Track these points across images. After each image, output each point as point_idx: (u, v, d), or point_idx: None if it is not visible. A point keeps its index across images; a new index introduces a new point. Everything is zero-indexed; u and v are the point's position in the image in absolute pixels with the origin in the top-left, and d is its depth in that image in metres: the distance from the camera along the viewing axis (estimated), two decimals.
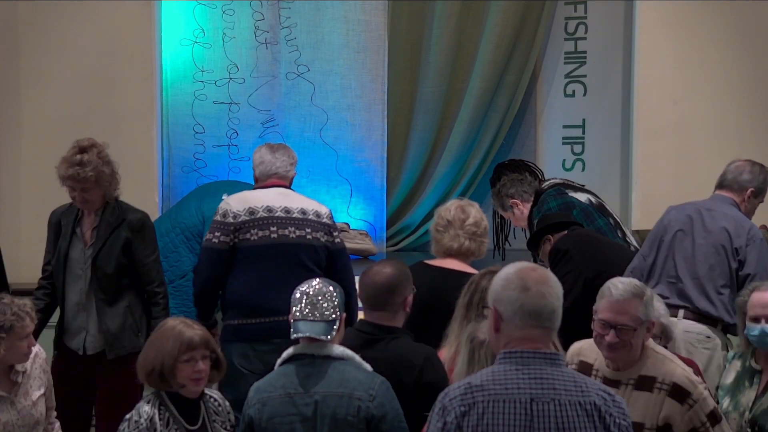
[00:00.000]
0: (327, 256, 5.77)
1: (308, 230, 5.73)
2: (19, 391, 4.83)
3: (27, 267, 7.74)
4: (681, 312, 5.77)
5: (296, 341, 4.41)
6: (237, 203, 5.73)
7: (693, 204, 6.11)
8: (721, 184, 6.17)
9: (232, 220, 5.65)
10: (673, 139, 8.07)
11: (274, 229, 5.72)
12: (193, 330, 4.39)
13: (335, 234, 5.80)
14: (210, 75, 8.14)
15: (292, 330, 4.37)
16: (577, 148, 8.65)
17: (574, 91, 8.62)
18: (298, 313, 4.37)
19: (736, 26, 8.22)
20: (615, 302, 4.19)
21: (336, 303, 4.38)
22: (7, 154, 8.00)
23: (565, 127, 8.64)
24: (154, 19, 7.97)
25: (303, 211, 5.79)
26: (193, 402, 4.43)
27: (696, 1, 8.21)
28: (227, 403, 4.59)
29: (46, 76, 7.91)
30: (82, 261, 5.50)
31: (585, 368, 4.28)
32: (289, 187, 5.87)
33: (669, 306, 5.47)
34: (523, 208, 6.65)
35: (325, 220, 5.79)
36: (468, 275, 5.36)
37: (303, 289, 4.44)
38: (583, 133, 8.63)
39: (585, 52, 8.59)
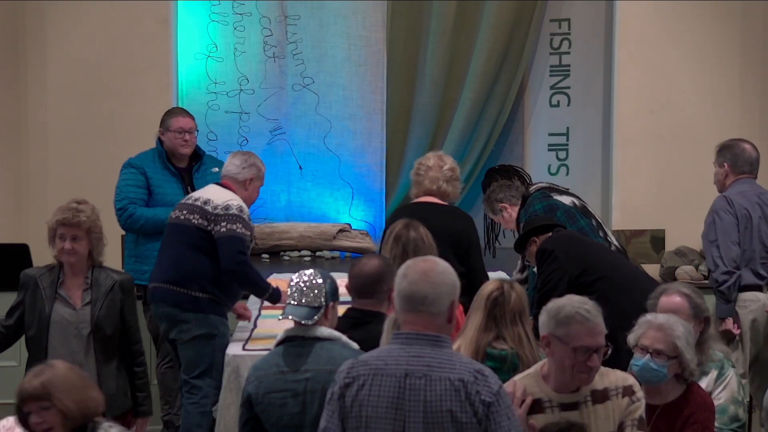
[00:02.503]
0: (206, 239, 5.99)
1: (194, 215, 6.00)
2: None
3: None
4: None
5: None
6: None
7: (747, 190, 6.45)
8: (750, 171, 6.55)
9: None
10: (650, 146, 8.19)
11: (177, 212, 6.14)
12: (32, 381, 4.17)
13: (222, 224, 5.93)
14: (222, 87, 8.29)
15: (282, 312, 4.58)
16: (562, 154, 8.77)
17: (558, 102, 8.73)
18: (288, 299, 4.55)
19: (709, 43, 8.37)
20: (592, 327, 4.01)
21: (323, 292, 4.51)
22: (35, 160, 8.20)
23: (550, 134, 8.76)
24: (170, 35, 8.16)
25: (205, 201, 6.02)
26: None
27: (673, 18, 8.33)
28: None
29: (71, 87, 8.11)
30: (76, 322, 5.27)
31: (539, 405, 4.07)
32: (232, 186, 6.08)
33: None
34: (512, 212, 6.75)
35: (218, 210, 5.95)
36: (446, 206, 5.80)
37: (295, 277, 4.61)
38: (567, 140, 8.76)
39: (569, 65, 8.69)
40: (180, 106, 8.09)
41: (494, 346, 4.61)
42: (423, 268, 3.69)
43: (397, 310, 3.73)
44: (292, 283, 4.61)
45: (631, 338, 4.51)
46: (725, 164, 6.56)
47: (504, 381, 4.52)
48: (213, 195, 6.09)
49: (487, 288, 4.73)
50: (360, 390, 3.62)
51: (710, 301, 5.90)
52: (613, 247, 6.37)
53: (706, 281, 7.07)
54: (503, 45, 8.48)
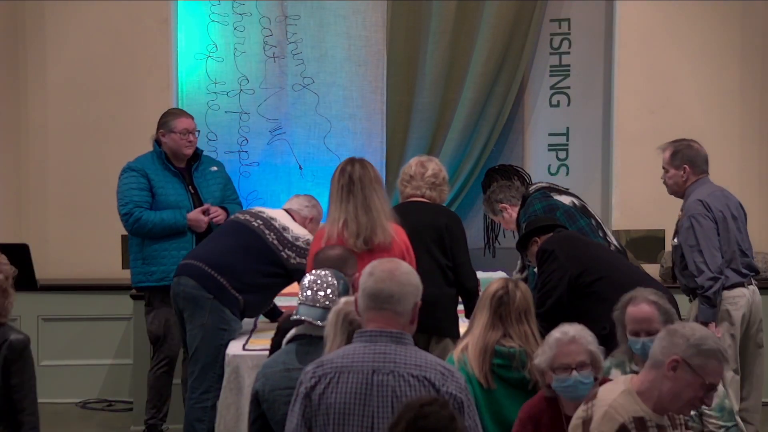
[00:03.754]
0: (268, 256, 6.21)
1: (270, 233, 6.22)
2: None
3: (54, 264, 8.15)
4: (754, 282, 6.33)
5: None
6: None
7: (714, 191, 6.46)
8: (707, 170, 6.55)
9: None
10: (649, 146, 7.70)
11: (249, 217, 6.37)
12: None
13: (298, 258, 6.20)
14: (222, 87, 8.28)
15: (295, 312, 4.66)
16: (562, 155, 8.77)
17: (558, 102, 8.73)
18: (301, 298, 4.63)
19: (709, 42, 8.42)
20: (724, 368, 3.88)
21: (337, 292, 4.60)
22: (34, 158, 8.25)
23: (550, 134, 8.76)
24: (171, 35, 8.19)
25: (283, 227, 6.27)
26: None
27: (672, 19, 8.38)
28: None
29: (71, 87, 8.18)
30: None
31: (642, 425, 3.86)
32: (296, 219, 6.40)
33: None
34: (512, 212, 6.81)
35: (299, 243, 6.24)
36: (431, 204, 5.94)
37: (310, 277, 4.70)
38: (567, 140, 8.75)
39: (569, 65, 8.69)
40: (180, 106, 8.12)
41: (502, 343, 4.71)
42: (389, 268, 3.77)
43: (360, 308, 3.78)
44: (305, 283, 4.68)
45: (542, 362, 4.45)
46: (685, 166, 6.53)
47: (513, 378, 4.74)
48: (291, 224, 6.31)
49: (492, 287, 4.82)
50: (326, 388, 3.67)
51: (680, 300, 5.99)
52: (612, 247, 6.38)
53: None
54: (503, 45, 8.49)
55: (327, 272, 4.70)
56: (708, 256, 6.31)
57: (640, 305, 4.76)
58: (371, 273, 3.77)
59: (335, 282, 4.65)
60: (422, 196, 6.07)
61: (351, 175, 5.63)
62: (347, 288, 4.68)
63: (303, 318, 4.58)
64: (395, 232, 5.60)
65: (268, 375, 4.53)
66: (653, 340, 4.34)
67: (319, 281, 4.67)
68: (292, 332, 4.65)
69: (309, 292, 4.63)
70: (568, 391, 4.41)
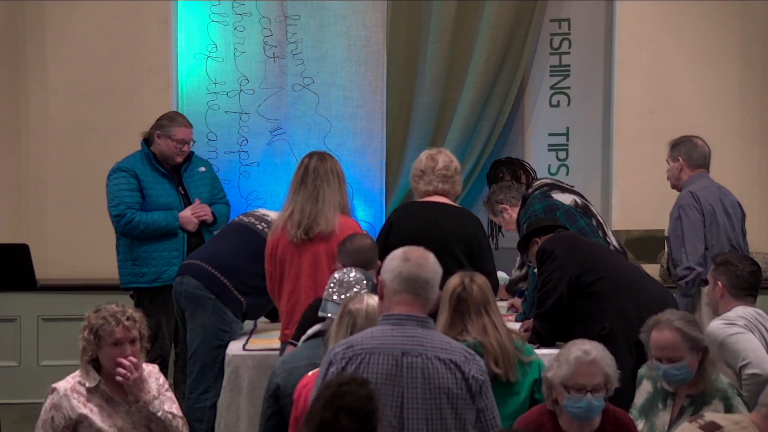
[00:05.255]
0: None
1: None
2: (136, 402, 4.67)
3: (54, 265, 8.16)
4: None
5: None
6: None
7: (709, 186, 6.50)
8: (705, 165, 6.61)
9: None
10: (649, 147, 8.19)
11: (252, 219, 6.41)
12: None
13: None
14: (222, 87, 8.22)
15: (321, 308, 4.73)
16: (562, 155, 8.78)
17: (558, 102, 8.74)
18: (328, 295, 4.72)
19: (709, 42, 8.45)
20: None
21: (364, 290, 4.68)
22: (35, 158, 8.27)
23: (550, 134, 8.77)
24: (171, 35, 8.18)
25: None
26: None
27: (672, 19, 8.41)
28: None
29: (71, 87, 8.19)
30: None
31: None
32: None
33: None
34: (512, 213, 6.83)
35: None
36: (456, 208, 5.86)
37: (337, 275, 4.79)
38: (567, 140, 8.76)
39: (569, 65, 8.70)
40: (180, 106, 8.12)
41: (458, 339, 4.69)
42: (423, 255, 3.93)
43: (390, 291, 3.88)
44: (334, 280, 4.76)
45: (556, 377, 4.33)
46: (680, 158, 6.61)
47: None
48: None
49: (450, 284, 4.87)
50: (357, 368, 3.79)
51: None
52: (612, 247, 6.38)
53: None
54: (503, 45, 8.49)
55: (355, 271, 4.78)
56: (689, 247, 6.35)
57: (663, 331, 4.68)
58: (407, 258, 3.91)
59: (363, 279, 4.73)
60: (435, 191, 6.04)
61: (307, 167, 5.76)
62: (375, 286, 4.70)
63: (329, 315, 4.64)
64: (341, 224, 5.63)
65: (290, 370, 4.54)
66: (675, 367, 4.52)
67: (346, 279, 4.74)
68: (316, 328, 4.70)
69: (336, 290, 4.70)
70: (578, 413, 4.31)
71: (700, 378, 4.65)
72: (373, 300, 4.37)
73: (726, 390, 4.71)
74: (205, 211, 6.96)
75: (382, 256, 5.54)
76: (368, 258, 5.14)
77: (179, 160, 7.02)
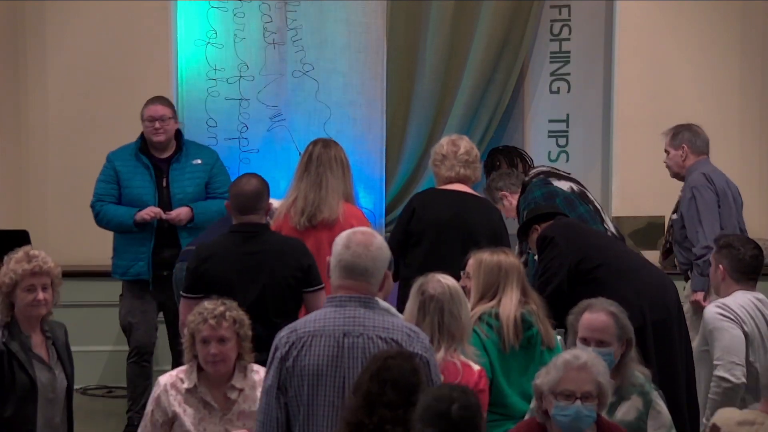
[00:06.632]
0: None
1: None
2: (233, 409, 4.60)
3: (54, 251, 7.76)
4: None
5: None
6: None
7: (716, 170, 6.56)
8: (709, 151, 6.66)
9: None
10: (649, 133, 8.05)
11: None
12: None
13: None
14: (222, 73, 8.18)
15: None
16: (562, 141, 8.78)
17: (558, 89, 8.74)
18: None
19: (709, 28, 8.46)
20: None
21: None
22: (35, 145, 8.29)
23: (550, 121, 8.77)
24: (170, 22, 8.16)
25: None
26: None
27: (672, 5, 8.41)
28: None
29: (72, 75, 8.22)
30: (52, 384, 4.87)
31: None
32: None
33: None
34: (512, 200, 6.88)
35: None
36: (479, 198, 6.00)
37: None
38: (567, 127, 8.77)
39: (569, 52, 8.70)
40: (179, 92, 8.12)
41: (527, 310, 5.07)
42: (364, 241, 3.95)
43: (333, 277, 3.96)
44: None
45: (544, 383, 4.06)
46: (684, 146, 6.62)
47: (532, 335, 5.06)
48: None
49: (509, 262, 5.11)
50: (300, 352, 3.87)
51: (680, 285, 6.13)
52: (609, 233, 6.43)
53: None
54: (503, 31, 8.50)
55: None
56: (707, 226, 6.38)
57: (598, 313, 4.58)
58: (347, 245, 3.95)
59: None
60: (457, 177, 6.06)
61: (311, 154, 5.83)
62: (390, 257, 4.78)
63: None
64: (345, 212, 5.64)
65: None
66: (602, 352, 4.42)
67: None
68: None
69: None
70: (567, 423, 4.01)
71: (618, 372, 4.54)
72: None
73: (644, 384, 4.64)
74: (173, 216, 6.82)
75: (404, 241, 5.74)
76: (248, 205, 5.22)
77: (158, 139, 6.91)
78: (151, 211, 6.79)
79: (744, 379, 5.09)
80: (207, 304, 4.60)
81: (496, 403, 4.93)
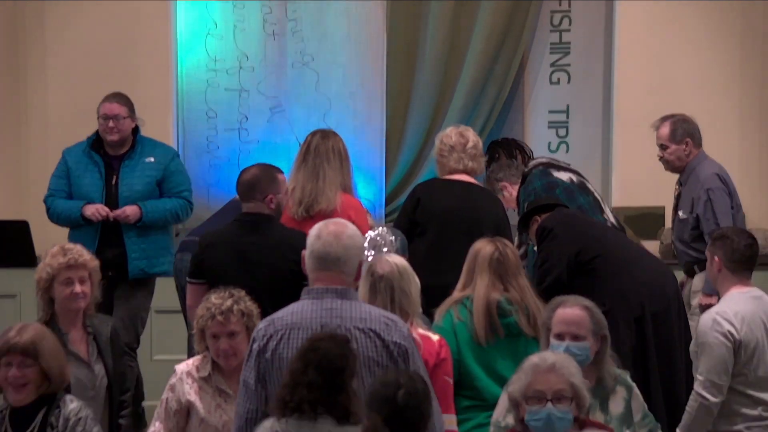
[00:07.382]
0: None
1: None
2: None
3: (54, 241, 7.48)
4: None
5: None
6: None
7: (720, 166, 6.54)
8: (702, 144, 6.61)
9: None
10: (649, 124, 7.62)
11: None
12: (22, 335, 4.19)
13: None
14: (222, 64, 8.28)
15: None
16: (562, 132, 8.76)
17: (558, 80, 8.72)
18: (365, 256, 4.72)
19: (710, 21, 8.41)
20: None
21: (394, 248, 4.83)
22: (35, 135, 8.28)
23: (550, 112, 8.75)
24: (171, 13, 8.20)
25: None
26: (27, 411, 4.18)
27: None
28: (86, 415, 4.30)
29: (73, 68, 8.20)
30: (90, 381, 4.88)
31: None
32: None
33: None
34: (512, 190, 6.79)
35: None
36: (483, 189, 6.03)
37: (371, 234, 5.00)
38: (567, 118, 8.74)
39: (569, 43, 8.67)
40: (180, 83, 8.18)
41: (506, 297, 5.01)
42: (335, 231, 3.96)
43: (308, 268, 3.98)
44: (367, 241, 4.89)
45: (516, 390, 3.91)
46: (687, 140, 6.57)
47: (510, 323, 4.98)
48: None
49: (485, 250, 5.08)
50: (278, 344, 3.88)
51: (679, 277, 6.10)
52: (609, 224, 6.38)
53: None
54: (503, 23, 8.50)
55: (384, 228, 4.91)
56: (724, 225, 6.35)
57: (572, 308, 4.52)
58: (318, 236, 3.96)
59: (392, 238, 4.87)
60: (464, 169, 6.08)
61: (309, 145, 5.81)
62: (405, 244, 4.87)
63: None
64: (342, 203, 5.66)
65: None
66: (578, 346, 4.39)
67: (377, 237, 4.89)
68: None
69: (368, 248, 4.82)
70: (539, 426, 3.85)
71: (594, 367, 4.49)
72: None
73: (620, 374, 4.63)
74: (119, 213, 6.64)
75: (409, 231, 5.75)
76: (243, 193, 5.27)
77: (111, 138, 6.69)
78: (97, 212, 6.61)
79: (721, 398, 5.05)
80: (214, 299, 4.56)
81: (464, 385, 4.95)
